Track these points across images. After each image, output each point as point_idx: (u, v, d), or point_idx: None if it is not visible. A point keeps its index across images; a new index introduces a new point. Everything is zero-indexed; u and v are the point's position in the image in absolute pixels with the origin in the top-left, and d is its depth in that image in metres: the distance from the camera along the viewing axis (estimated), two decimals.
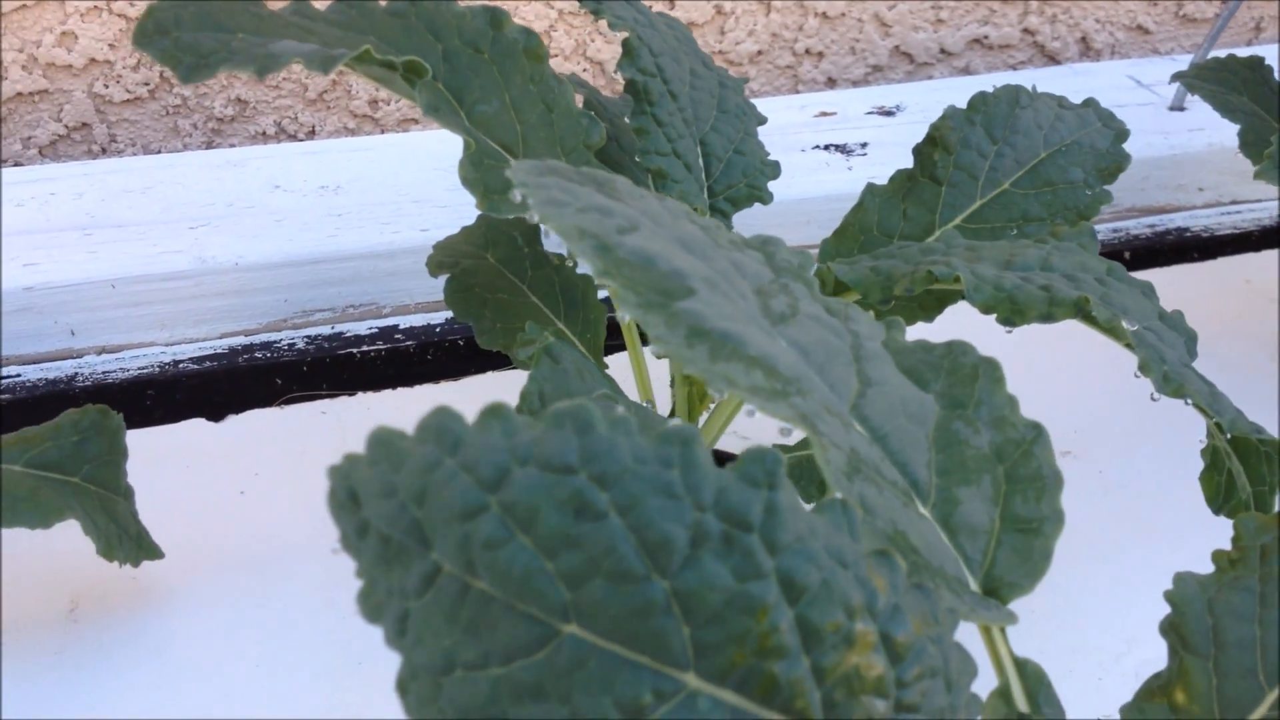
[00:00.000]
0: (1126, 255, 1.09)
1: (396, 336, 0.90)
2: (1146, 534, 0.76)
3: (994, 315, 0.55)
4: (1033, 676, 0.40)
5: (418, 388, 0.88)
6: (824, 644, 0.33)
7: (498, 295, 0.73)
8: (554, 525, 0.32)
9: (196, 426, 0.82)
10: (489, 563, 0.33)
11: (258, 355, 0.87)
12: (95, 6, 1.02)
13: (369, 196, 0.94)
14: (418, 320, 0.92)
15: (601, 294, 0.76)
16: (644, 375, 0.72)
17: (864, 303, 0.61)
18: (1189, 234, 1.11)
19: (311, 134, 1.12)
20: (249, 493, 0.77)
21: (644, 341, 0.71)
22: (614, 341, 0.86)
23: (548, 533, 0.32)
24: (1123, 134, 0.72)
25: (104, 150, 1.08)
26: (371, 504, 0.35)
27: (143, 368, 0.85)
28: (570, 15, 1.15)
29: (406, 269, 0.91)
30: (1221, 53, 1.12)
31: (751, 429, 0.85)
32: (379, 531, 0.35)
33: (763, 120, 0.75)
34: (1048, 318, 0.54)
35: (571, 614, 0.32)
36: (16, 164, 1.07)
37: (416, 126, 1.15)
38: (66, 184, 0.94)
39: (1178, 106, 1.16)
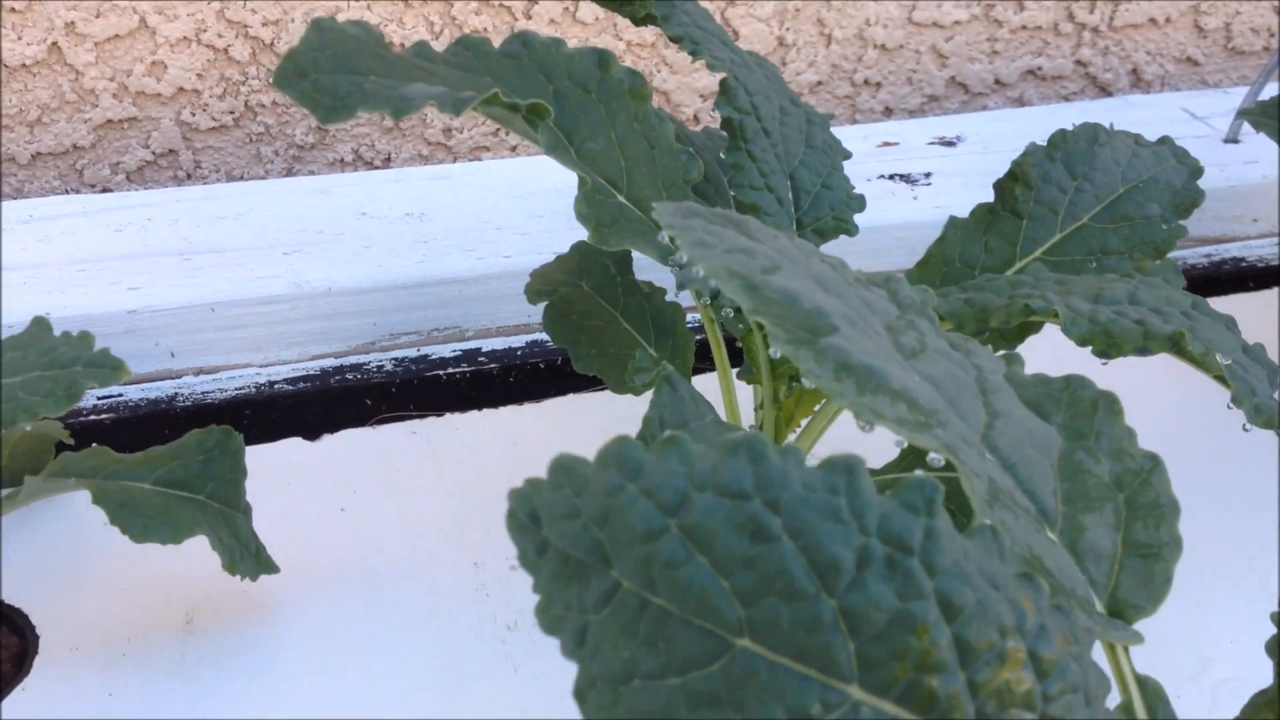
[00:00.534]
0: (1184, 284, 1.11)
1: (480, 359, 0.93)
2: (1216, 559, 0.78)
3: (1089, 348, 0.57)
4: (1153, 693, 0.42)
5: (501, 409, 0.90)
6: (979, 660, 0.36)
7: (592, 322, 0.76)
8: (730, 547, 0.35)
9: (294, 445, 0.85)
10: (668, 581, 0.35)
11: (348, 376, 0.90)
12: (185, 38, 1.06)
13: (453, 224, 0.97)
14: (499, 344, 0.95)
15: (690, 321, 0.78)
16: (733, 399, 0.74)
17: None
18: (1244, 264, 1.13)
19: (387, 161, 1.16)
20: (349, 510, 0.80)
21: (734, 364, 0.74)
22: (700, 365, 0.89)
23: (724, 554, 0.35)
24: (1197, 171, 0.75)
25: (189, 176, 1.11)
26: (553, 525, 0.38)
27: (239, 388, 0.88)
28: (637, 46, 1.19)
29: (489, 294, 0.94)
30: (1274, 88, 1.15)
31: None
32: (559, 550, 0.38)
33: (848, 155, 0.77)
34: (1143, 351, 0.56)
35: (745, 629, 0.35)
36: (105, 189, 1.10)
37: (489, 154, 1.19)
38: (160, 210, 0.98)
39: (1232, 139, 1.19)
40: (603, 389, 0.93)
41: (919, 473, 0.36)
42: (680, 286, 0.63)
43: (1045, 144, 0.75)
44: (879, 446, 0.62)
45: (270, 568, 0.68)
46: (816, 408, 0.75)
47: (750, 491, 0.35)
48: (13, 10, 1.01)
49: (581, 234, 0.88)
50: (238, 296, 0.88)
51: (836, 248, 0.92)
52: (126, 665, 0.68)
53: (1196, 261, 1.12)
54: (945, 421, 0.41)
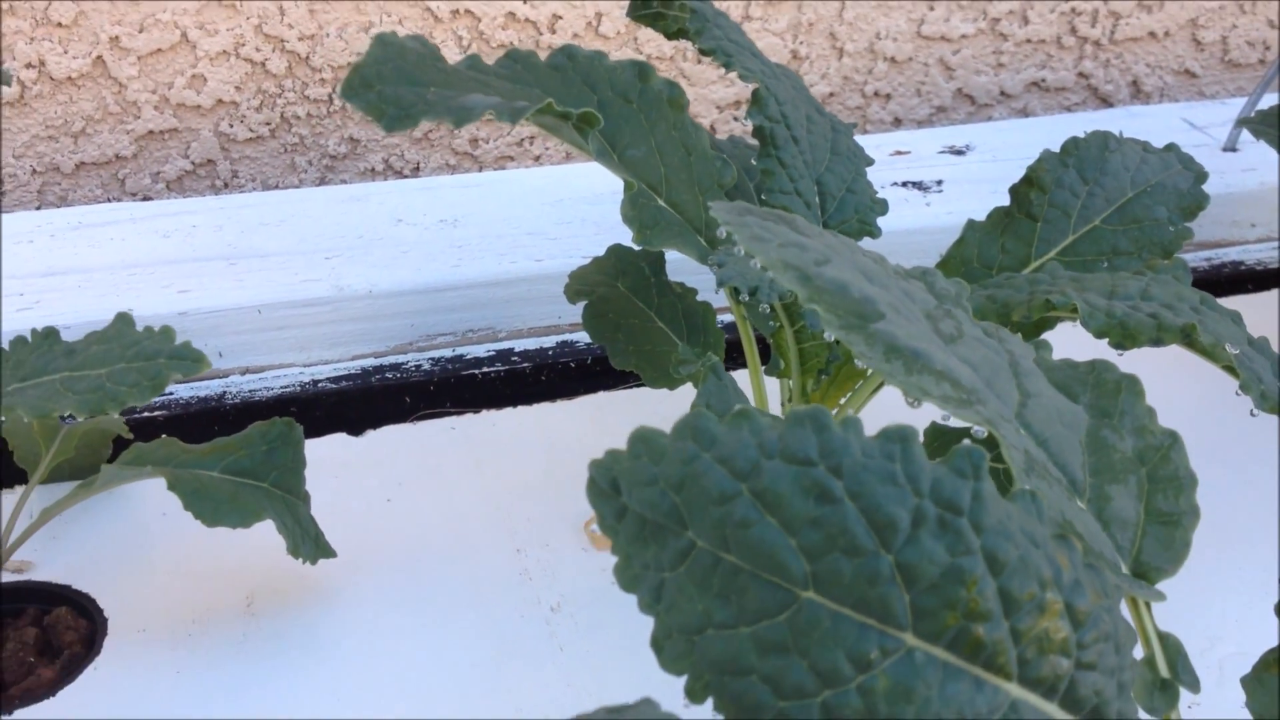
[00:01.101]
0: (1191, 282, 1.15)
1: (513, 359, 0.97)
2: (1223, 540, 0.82)
3: (1106, 339, 0.61)
4: (1173, 648, 0.46)
5: (535, 406, 0.94)
6: (1021, 610, 0.39)
7: (629, 320, 0.80)
8: (797, 508, 0.39)
9: (339, 440, 0.89)
10: (740, 540, 0.39)
11: (388, 375, 0.94)
12: (224, 51, 1.10)
13: (485, 229, 1.01)
14: (531, 344, 0.99)
15: (720, 320, 0.82)
16: (762, 392, 0.78)
17: None
18: (1243, 267, 1.17)
19: (416, 170, 1.20)
20: (395, 500, 0.83)
21: (763, 361, 0.78)
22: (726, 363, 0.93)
23: (791, 514, 0.39)
24: (1202, 176, 0.79)
25: (226, 185, 1.15)
26: (633, 491, 0.41)
27: (285, 387, 0.92)
28: (656, 59, 1.23)
29: (521, 296, 0.98)
30: (1273, 98, 1.19)
31: None
32: (637, 514, 0.42)
33: (870, 161, 0.82)
34: (1157, 342, 0.60)
35: (810, 583, 0.39)
36: (145, 197, 1.14)
37: (513, 163, 1.23)
38: (204, 217, 1.02)
39: (1230, 148, 1.23)
40: (630, 386, 0.97)
41: (966, 442, 0.40)
42: (720, 284, 0.67)
43: (1058, 151, 0.79)
44: None
45: (328, 552, 0.71)
46: (842, 400, 0.79)
47: (815, 458, 0.39)
48: (59, 25, 1.05)
49: (607, 239, 0.92)
50: (283, 299, 0.92)
51: None
52: (193, 645, 0.71)
53: (1197, 265, 1.17)
54: (984, 400, 0.45)
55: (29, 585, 0.75)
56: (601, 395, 0.96)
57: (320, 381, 0.93)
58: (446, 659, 0.72)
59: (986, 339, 0.49)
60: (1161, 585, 0.48)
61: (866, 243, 0.87)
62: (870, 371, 0.77)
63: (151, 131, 1.11)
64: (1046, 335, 0.77)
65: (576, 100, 0.70)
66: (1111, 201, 0.78)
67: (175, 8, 1.07)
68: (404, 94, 0.63)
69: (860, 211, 0.79)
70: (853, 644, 0.38)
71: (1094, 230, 0.78)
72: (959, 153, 1.19)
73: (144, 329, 0.62)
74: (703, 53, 0.76)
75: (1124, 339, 0.61)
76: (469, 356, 0.97)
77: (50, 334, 0.62)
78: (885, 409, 0.71)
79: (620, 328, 0.79)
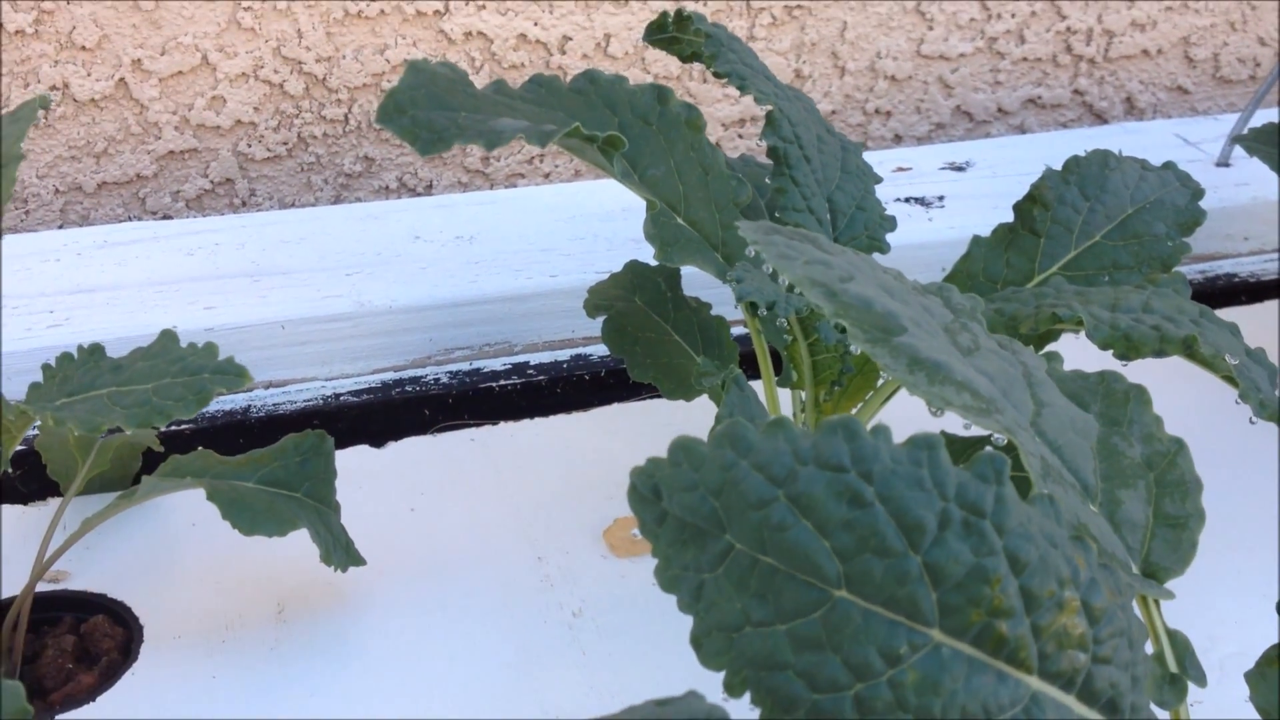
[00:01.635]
0: (1190, 295, 1.18)
1: (529, 372, 0.99)
2: (1224, 543, 0.84)
3: (1110, 351, 0.64)
4: (1181, 645, 0.48)
5: (552, 418, 0.97)
6: (1041, 607, 0.42)
7: (646, 334, 0.82)
8: (830, 512, 0.41)
9: (362, 452, 0.91)
10: (777, 542, 0.42)
11: (407, 389, 0.96)
12: (243, 73, 1.12)
13: (501, 246, 1.04)
14: (546, 357, 1.01)
15: (734, 333, 0.85)
16: (775, 404, 0.81)
17: None
18: (1237, 279, 1.21)
19: (429, 188, 1.22)
20: (418, 510, 0.86)
21: (776, 371, 0.81)
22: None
23: (825, 518, 0.41)
24: (1199, 193, 0.82)
25: (244, 204, 1.18)
26: (674, 496, 0.44)
27: (308, 400, 0.94)
28: (663, 79, 1.25)
29: (536, 311, 1.00)
30: (1264, 114, 1.22)
31: None
32: (677, 518, 0.44)
33: (878, 179, 0.84)
34: (1160, 353, 0.63)
35: (843, 582, 0.41)
36: (165, 216, 1.16)
37: (524, 181, 1.25)
38: (227, 235, 1.04)
39: (1223, 163, 1.26)
40: (644, 399, 0.99)
41: (988, 449, 0.42)
42: (739, 299, 0.69)
43: (1060, 169, 0.81)
44: None
45: (359, 560, 0.74)
46: (854, 410, 0.81)
47: (847, 464, 0.42)
48: (83, 49, 1.07)
49: (619, 254, 0.95)
50: (305, 315, 0.94)
51: None
52: (226, 651, 0.73)
53: (1193, 277, 1.20)
54: (1002, 409, 0.47)
55: (66, 594, 0.77)
56: (615, 407, 0.99)
57: (342, 395, 0.95)
58: (473, 663, 0.74)
59: (1001, 351, 0.52)
60: (1167, 585, 0.50)
61: (876, 258, 0.90)
62: (880, 382, 0.80)
63: (172, 151, 1.14)
64: (1051, 347, 0.80)
65: (598, 122, 0.72)
66: (1112, 218, 0.81)
67: (196, 31, 1.09)
68: (437, 118, 0.65)
69: (870, 228, 0.82)
70: (883, 640, 0.41)
71: (1095, 245, 0.80)
72: (959, 169, 1.22)
73: (188, 345, 0.64)
74: (717, 75, 0.78)
75: (1128, 350, 0.64)
76: (486, 370, 0.99)
77: (96, 350, 0.65)
78: (894, 419, 0.73)
79: (638, 341, 0.82)
